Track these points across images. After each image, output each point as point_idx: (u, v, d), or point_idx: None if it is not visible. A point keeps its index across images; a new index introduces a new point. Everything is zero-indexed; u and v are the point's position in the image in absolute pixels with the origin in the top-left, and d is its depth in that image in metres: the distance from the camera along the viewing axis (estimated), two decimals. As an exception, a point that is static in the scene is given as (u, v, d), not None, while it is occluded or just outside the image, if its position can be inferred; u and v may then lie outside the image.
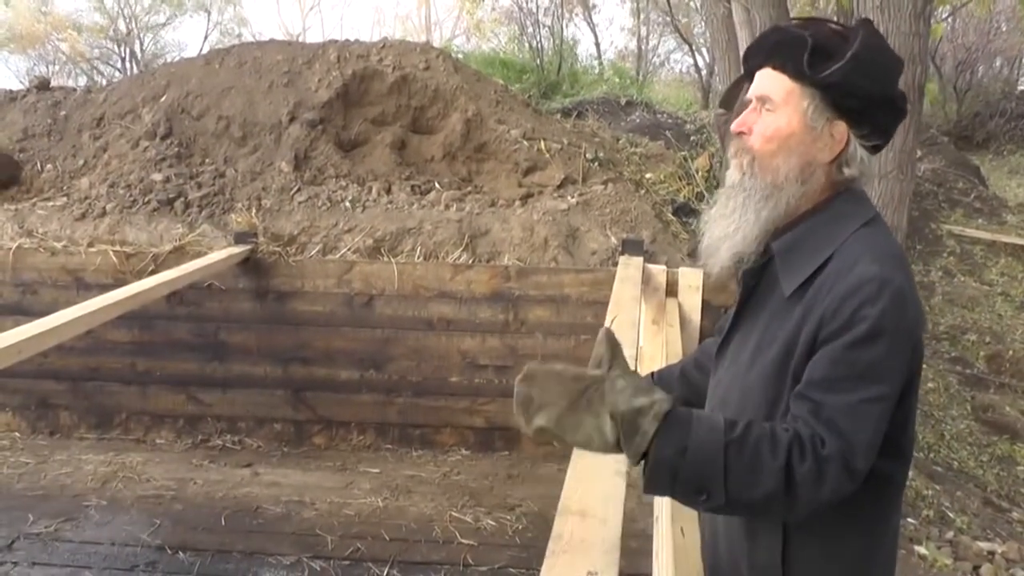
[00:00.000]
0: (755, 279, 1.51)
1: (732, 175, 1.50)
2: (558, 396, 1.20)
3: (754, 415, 1.38)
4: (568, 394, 1.21)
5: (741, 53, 5.45)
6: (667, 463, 1.19)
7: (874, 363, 1.27)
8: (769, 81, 1.44)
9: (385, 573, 3.60)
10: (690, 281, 4.43)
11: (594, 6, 17.20)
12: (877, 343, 1.26)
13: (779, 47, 1.43)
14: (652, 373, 1.90)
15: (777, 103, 1.42)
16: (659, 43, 18.86)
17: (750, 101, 1.48)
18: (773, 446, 1.22)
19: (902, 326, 1.28)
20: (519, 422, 1.22)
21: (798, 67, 1.39)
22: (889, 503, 1.45)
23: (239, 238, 4.85)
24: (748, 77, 1.52)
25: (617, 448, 1.20)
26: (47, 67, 20.48)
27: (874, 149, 1.44)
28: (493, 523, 4.02)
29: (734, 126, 1.50)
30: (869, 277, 1.28)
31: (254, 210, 5.04)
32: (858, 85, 1.37)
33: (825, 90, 1.38)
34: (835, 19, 1.61)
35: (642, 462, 1.21)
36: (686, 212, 5.51)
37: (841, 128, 1.40)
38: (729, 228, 1.47)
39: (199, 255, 4.72)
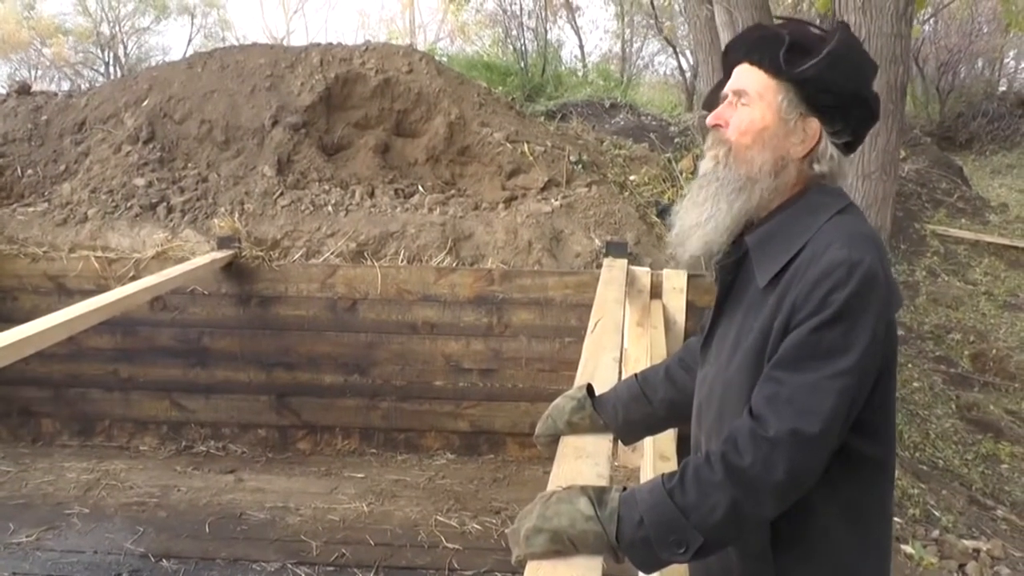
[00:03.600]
0: (731, 275, 1.53)
1: (706, 165, 1.52)
2: (531, 507, 1.34)
3: (736, 407, 1.39)
4: (537, 503, 1.34)
5: (724, 55, 5.47)
6: (636, 540, 1.26)
7: (838, 342, 1.28)
8: (746, 76, 1.47)
9: (370, 578, 3.58)
10: (674, 283, 4.44)
11: (578, 9, 17.21)
12: (841, 323, 1.27)
13: (757, 43, 1.47)
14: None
15: (752, 97, 1.45)
16: (643, 46, 18.86)
17: (727, 95, 1.50)
18: (709, 465, 1.28)
19: (871, 307, 1.29)
20: (516, 551, 1.32)
21: (774, 62, 1.42)
22: (879, 492, 1.46)
23: (222, 243, 4.83)
24: (727, 74, 1.54)
25: (599, 521, 1.28)
26: (30, 71, 20.36)
27: (846, 148, 1.46)
28: (478, 527, 4.01)
29: (710, 119, 1.52)
30: (839, 261, 1.29)
31: (237, 214, 5.01)
32: (832, 81, 1.40)
33: (800, 85, 1.41)
34: (817, 21, 1.63)
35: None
36: (670, 214, 5.50)
37: (814, 124, 1.43)
38: (701, 217, 1.49)
39: (182, 260, 4.69)
